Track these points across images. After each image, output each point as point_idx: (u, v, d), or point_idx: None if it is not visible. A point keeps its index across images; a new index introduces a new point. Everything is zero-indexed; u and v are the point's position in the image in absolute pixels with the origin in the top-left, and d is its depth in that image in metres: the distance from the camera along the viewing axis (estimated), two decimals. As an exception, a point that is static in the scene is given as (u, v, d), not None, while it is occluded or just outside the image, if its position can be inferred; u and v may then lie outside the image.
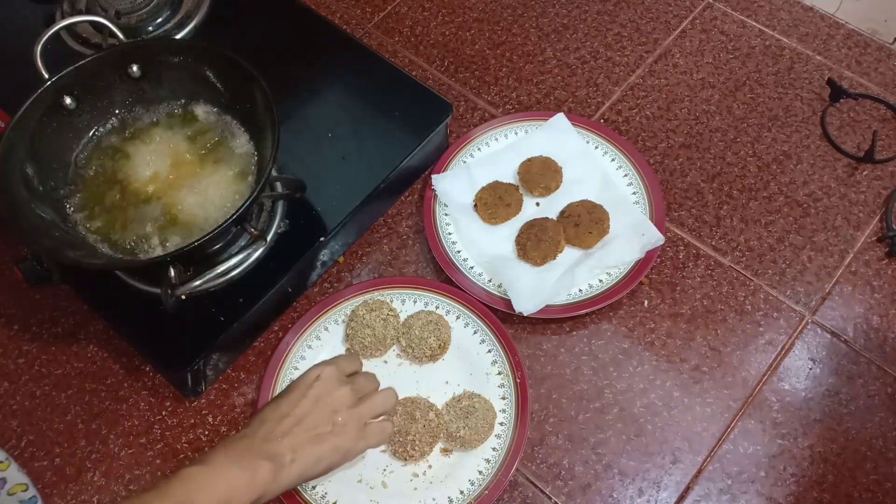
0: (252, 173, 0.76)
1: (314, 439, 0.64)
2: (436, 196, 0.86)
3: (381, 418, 0.70)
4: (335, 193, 0.82)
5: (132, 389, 0.79)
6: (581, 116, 0.92)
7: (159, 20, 0.93)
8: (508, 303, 0.78)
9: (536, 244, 0.81)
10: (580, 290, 0.80)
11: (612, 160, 0.87)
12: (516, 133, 0.90)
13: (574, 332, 0.80)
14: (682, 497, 0.72)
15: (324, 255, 0.83)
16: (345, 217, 0.80)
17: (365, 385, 0.70)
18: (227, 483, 0.58)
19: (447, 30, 1.02)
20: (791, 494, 0.71)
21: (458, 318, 0.79)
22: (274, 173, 0.73)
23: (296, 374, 0.77)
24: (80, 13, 0.93)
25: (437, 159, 0.89)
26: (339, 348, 0.79)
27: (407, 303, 0.80)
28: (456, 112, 0.94)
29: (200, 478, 0.58)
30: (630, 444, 0.74)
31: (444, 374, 0.77)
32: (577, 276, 0.79)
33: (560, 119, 0.89)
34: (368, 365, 0.78)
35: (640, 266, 0.80)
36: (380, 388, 0.72)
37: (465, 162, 0.89)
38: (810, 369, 0.77)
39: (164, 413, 0.78)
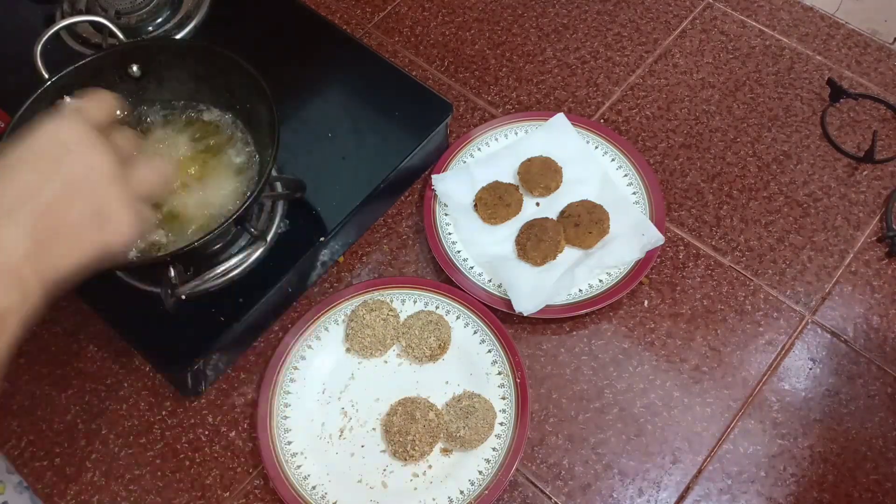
0: (252, 173, 0.76)
1: (66, 235, 0.47)
2: (436, 196, 0.86)
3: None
4: (335, 193, 0.82)
5: (132, 389, 0.79)
6: (581, 116, 0.92)
7: (159, 20, 0.93)
8: (508, 303, 0.78)
9: (536, 244, 0.81)
10: (580, 290, 0.80)
11: (612, 160, 0.87)
12: (516, 133, 0.90)
13: (574, 332, 0.80)
14: (682, 497, 0.72)
15: (324, 255, 0.83)
16: (345, 217, 0.81)
17: (126, 144, 0.53)
18: None
19: (447, 30, 1.02)
20: (791, 494, 0.71)
21: (458, 318, 0.79)
22: (274, 173, 0.73)
23: (296, 374, 0.77)
24: (80, 13, 0.93)
25: (437, 159, 0.89)
26: (340, 348, 0.79)
27: (407, 303, 0.80)
28: (456, 112, 0.94)
29: None
30: (630, 444, 0.74)
31: (444, 374, 0.77)
32: (577, 276, 0.79)
33: (560, 119, 0.89)
34: (368, 365, 0.78)
35: (640, 266, 0.80)
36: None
37: (465, 162, 0.89)
38: (810, 369, 0.77)
39: (164, 413, 0.78)
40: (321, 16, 0.96)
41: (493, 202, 0.84)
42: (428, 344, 0.76)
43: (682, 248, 0.84)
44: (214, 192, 0.75)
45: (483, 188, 0.86)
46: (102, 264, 0.49)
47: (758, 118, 0.92)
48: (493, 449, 0.73)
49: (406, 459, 0.72)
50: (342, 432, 0.75)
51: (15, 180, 0.46)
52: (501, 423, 0.74)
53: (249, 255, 0.76)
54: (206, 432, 0.77)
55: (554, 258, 0.82)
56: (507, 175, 0.87)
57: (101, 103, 0.53)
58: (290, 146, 0.82)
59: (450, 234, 0.84)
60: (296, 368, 0.77)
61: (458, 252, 0.83)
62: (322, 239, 0.79)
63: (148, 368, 0.80)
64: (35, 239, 0.45)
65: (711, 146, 0.91)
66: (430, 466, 0.73)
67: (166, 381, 0.80)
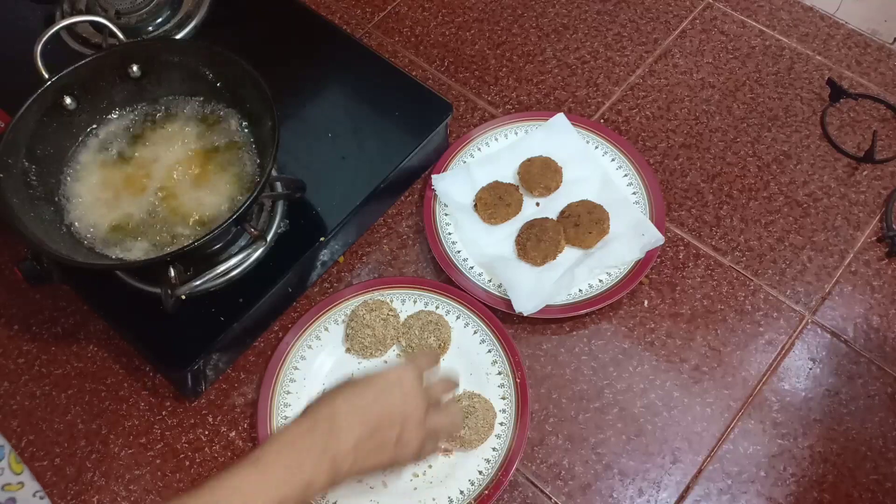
0: (252, 173, 0.76)
1: (377, 449, 0.59)
2: (436, 196, 0.86)
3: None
4: (335, 193, 0.82)
5: (132, 389, 0.79)
6: (581, 116, 0.92)
7: (159, 20, 0.93)
8: (508, 303, 0.78)
9: (536, 244, 0.81)
10: (580, 290, 0.80)
11: (612, 160, 0.87)
12: (516, 133, 0.90)
13: (574, 332, 0.80)
14: (682, 497, 0.72)
15: (324, 255, 0.83)
16: (345, 217, 0.81)
17: (437, 393, 0.66)
18: (280, 487, 0.54)
19: (447, 30, 1.02)
20: (791, 494, 0.71)
21: (458, 318, 0.79)
22: (274, 173, 0.73)
23: (296, 374, 0.77)
24: (80, 13, 0.93)
25: (437, 159, 0.89)
26: (339, 348, 0.79)
27: (407, 303, 0.80)
28: (456, 112, 0.94)
29: (253, 480, 0.54)
30: (630, 444, 0.74)
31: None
32: (577, 276, 0.79)
33: (560, 119, 0.89)
34: (368, 365, 0.78)
35: (640, 266, 0.80)
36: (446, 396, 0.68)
37: (465, 162, 0.89)
38: (810, 369, 0.77)
39: (164, 413, 0.78)
40: (321, 16, 0.97)
41: (493, 202, 0.84)
42: (428, 344, 0.76)
43: (682, 248, 0.84)
44: (214, 192, 0.76)
45: (483, 188, 0.86)
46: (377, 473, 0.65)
47: (758, 118, 0.92)
48: (493, 449, 0.73)
49: (406, 459, 0.72)
50: (342, 432, 0.75)
51: (361, 396, 0.60)
52: (501, 423, 0.74)
53: (249, 255, 0.76)
54: (206, 432, 0.77)
55: (554, 258, 0.82)
56: (507, 175, 0.87)
57: (429, 357, 0.67)
58: (290, 146, 0.82)
59: (450, 234, 0.84)
60: (296, 368, 0.77)
61: (458, 252, 0.83)
62: (322, 239, 0.79)
63: (148, 368, 0.80)
64: (357, 439, 0.58)
65: (711, 146, 0.91)
66: (430, 466, 0.73)
67: (166, 381, 0.80)
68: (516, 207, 0.85)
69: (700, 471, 0.73)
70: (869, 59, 0.96)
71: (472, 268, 0.82)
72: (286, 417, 0.75)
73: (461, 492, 0.71)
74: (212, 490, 0.53)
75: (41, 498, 0.73)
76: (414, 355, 0.69)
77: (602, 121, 0.93)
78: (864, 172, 0.88)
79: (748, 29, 0.99)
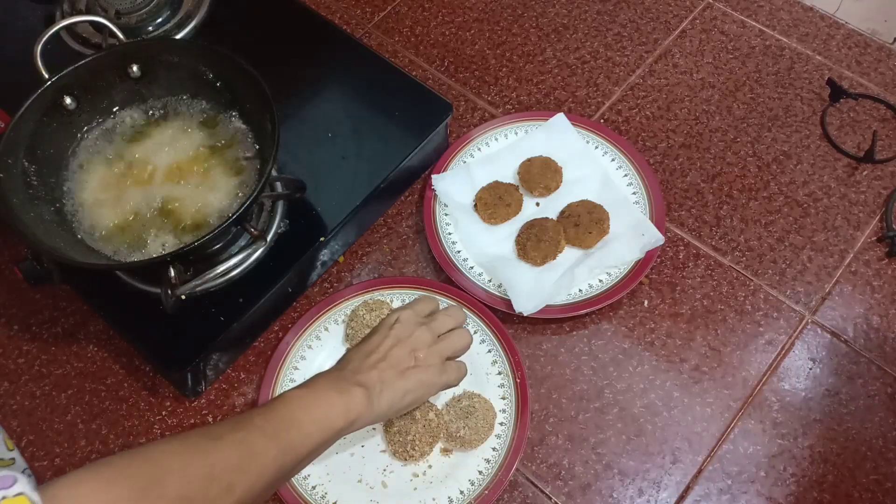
0: (252, 173, 0.76)
1: (400, 374, 0.66)
2: (436, 196, 0.86)
3: (458, 359, 0.72)
4: (335, 193, 0.82)
5: (132, 389, 0.79)
6: (581, 116, 0.92)
7: (159, 20, 0.93)
8: (508, 303, 0.78)
9: (536, 244, 0.81)
10: (580, 290, 0.80)
11: (612, 160, 0.87)
12: (516, 133, 0.90)
13: (574, 332, 0.80)
14: (682, 497, 0.72)
15: (324, 255, 0.83)
16: (345, 217, 0.81)
17: (442, 324, 0.71)
18: (326, 405, 0.61)
19: (447, 30, 1.02)
20: (791, 494, 0.71)
21: (458, 318, 0.79)
22: (274, 173, 0.73)
23: (296, 374, 0.77)
24: (80, 13, 0.93)
25: (437, 159, 0.89)
26: (340, 348, 0.79)
27: (407, 303, 0.80)
28: (456, 112, 0.94)
29: (302, 399, 0.61)
30: (630, 444, 0.74)
31: (444, 374, 0.77)
32: (577, 276, 0.79)
33: (560, 119, 0.89)
34: (368, 365, 0.78)
35: (640, 266, 0.80)
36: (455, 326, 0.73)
37: (465, 162, 0.89)
38: (810, 369, 0.77)
39: (164, 413, 0.78)
40: (321, 16, 0.97)
41: (493, 202, 0.84)
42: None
43: (682, 248, 0.84)
44: (214, 191, 0.76)
45: (483, 188, 0.86)
46: (417, 403, 0.69)
47: (758, 118, 0.92)
48: (493, 449, 0.73)
49: (406, 459, 0.72)
50: (342, 432, 0.75)
51: (366, 339, 0.70)
52: (501, 423, 0.74)
53: (249, 255, 0.76)
54: (206, 432, 0.77)
55: (554, 258, 0.82)
56: (507, 175, 0.87)
57: (426, 302, 0.74)
58: (290, 146, 0.83)
59: (450, 234, 0.84)
60: (296, 368, 0.77)
61: (458, 252, 0.83)
62: (322, 239, 0.79)
63: (148, 368, 0.80)
64: (371, 361, 0.66)
65: (711, 146, 0.91)
66: (430, 466, 0.73)
67: (166, 381, 0.80)
68: (516, 207, 0.85)
69: (700, 471, 0.73)
70: (869, 59, 0.96)
71: (472, 268, 0.82)
72: (286, 417, 0.75)
73: (461, 492, 0.71)
74: (286, 403, 0.60)
75: (28, 475, 0.73)
76: (413, 302, 0.74)
77: (602, 121, 0.93)
78: (864, 172, 0.88)
79: (748, 29, 0.99)
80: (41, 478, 0.75)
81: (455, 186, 0.86)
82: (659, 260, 0.83)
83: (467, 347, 0.72)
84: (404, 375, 0.67)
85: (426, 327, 0.70)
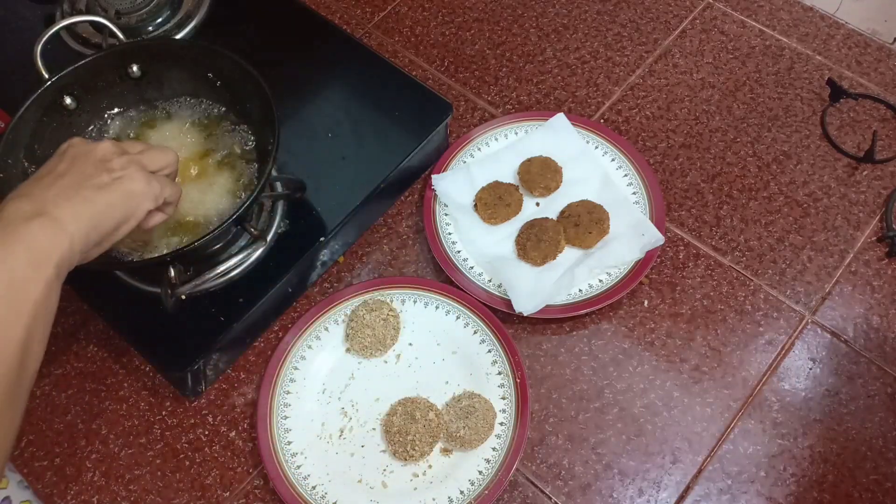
0: (252, 173, 0.76)
1: (94, 188, 0.56)
2: (436, 196, 0.86)
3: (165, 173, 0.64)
4: (335, 193, 0.82)
5: (132, 389, 0.80)
6: (581, 116, 0.92)
7: (159, 20, 0.93)
8: (508, 303, 0.78)
9: (536, 244, 0.81)
10: (580, 290, 0.80)
11: (612, 160, 0.87)
12: (516, 133, 0.90)
13: (574, 332, 0.80)
14: (682, 497, 0.72)
15: (324, 255, 0.83)
16: (345, 217, 0.81)
17: (134, 147, 0.62)
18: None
19: (447, 30, 1.02)
20: (791, 494, 0.71)
21: (458, 318, 0.79)
22: (274, 173, 0.73)
23: (296, 374, 0.77)
24: (80, 13, 0.93)
25: (437, 159, 0.89)
26: (340, 348, 0.79)
27: (407, 303, 0.80)
28: (456, 112, 0.94)
29: None
30: (630, 444, 0.74)
31: (444, 374, 0.77)
32: (577, 276, 0.79)
33: (560, 119, 0.89)
34: (368, 365, 0.78)
35: (640, 266, 0.80)
36: None
37: (465, 162, 0.89)
38: (810, 369, 0.77)
39: (164, 413, 0.78)
40: (321, 16, 0.96)
41: (493, 202, 0.84)
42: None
43: (682, 248, 0.84)
44: (214, 191, 0.76)
45: (483, 188, 0.86)
46: (128, 224, 0.58)
47: (758, 118, 0.92)
48: (493, 449, 0.73)
49: (406, 459, 0.72)
50: (342, 432, 0.75)
51: (46, 170, 0.58)
52: (501, 423, 0.74)
53: (249, 255, 0.76)
54: (206, 432, 0.77)
55: (554, 258, 0.82)
56: (507, 175, 0.87)
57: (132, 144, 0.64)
58: (290, 146, 0.83)
59: (450, 234, 0.84)
60: (296, 368, 0.77)
61: (458, 252, 0.83)
62: (322, 239, 0.79)
63: (148, 368, 0.80)
64: (57, 188, 0.55)
65: (711, 146, 0.91)
66: (430, 466, 0.73)
67: (166, 381, 0.80)
68: (516, 207, 0.85)
69: (700, 471, 0.73)
70: (869, 59, 0.96)
71: (472, 268, 0.82)
72: (286, 417, 0.75)
73: (461, 492, 0.71)
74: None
75: (25, 487, 0.74)
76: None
77: (602, 121, 0.93)
78: (864, 172, 0.88)
79: (748, 29, 0.99)
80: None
81: (455, 186, 0.86)
82: (659, 260, 0.83)
83: (173, 163, 0.64)
84: (103, 189, 0.56)
85: (110, 142, 0.60)
